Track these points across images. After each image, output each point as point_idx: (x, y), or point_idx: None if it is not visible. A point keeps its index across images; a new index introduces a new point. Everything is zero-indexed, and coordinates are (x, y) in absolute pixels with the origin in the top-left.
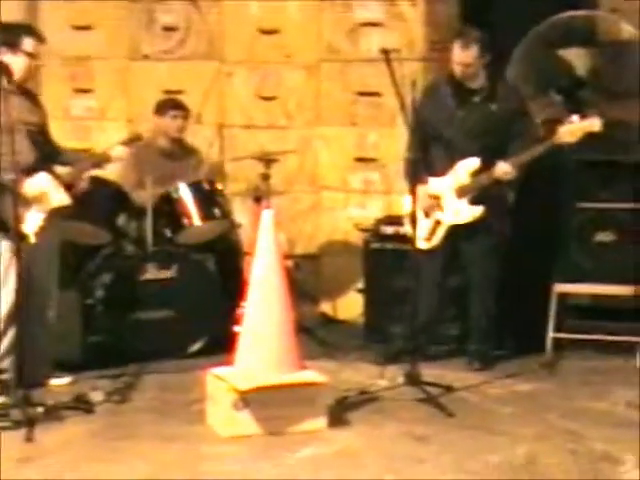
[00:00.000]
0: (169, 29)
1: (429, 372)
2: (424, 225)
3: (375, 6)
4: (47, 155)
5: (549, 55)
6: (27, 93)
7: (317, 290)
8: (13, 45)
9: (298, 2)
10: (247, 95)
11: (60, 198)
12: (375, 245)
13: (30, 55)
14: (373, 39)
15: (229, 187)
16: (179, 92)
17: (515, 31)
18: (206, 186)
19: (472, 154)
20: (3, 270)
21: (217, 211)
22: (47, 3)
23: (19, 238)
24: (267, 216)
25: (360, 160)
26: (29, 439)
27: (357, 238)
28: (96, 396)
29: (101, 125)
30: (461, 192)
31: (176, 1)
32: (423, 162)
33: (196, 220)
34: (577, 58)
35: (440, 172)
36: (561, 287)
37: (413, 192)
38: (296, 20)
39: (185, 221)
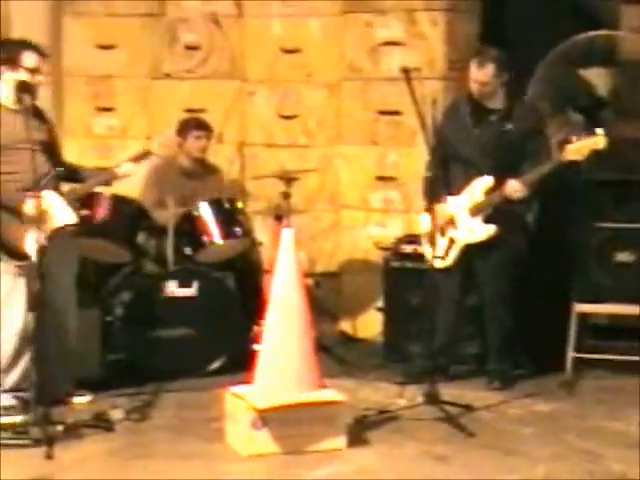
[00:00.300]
0: (191, 48)
1: (448, 391)
2: (440, 244)
3: (396, 25)
4: (55, 173)
5: (570, 74)
6: (33, 110)
7: (337, 308)
8: (13, 62)
9: (320, 21)
10: (268, 114)
11: (64, 217)
12: (395, 264)
13: (31, 71)
14: (394, 58)
15: (250, 205)
16: (201, 111)
17: (535, 50)
18: (227, 204)
19: (488, 172)
20: (5, 291)
21: (238, 229)
22: (71, 22)
23: (25, 257)
24: (288, 234)
25: (380, 179)
26: (49, 457)
27: (377, 257)
28: (116, 414)
29: (123, 143)
30: (475, 210)
31: (198, 20)
32: (442, 181)
33: (217, 238)
34: (598, 78)
35: (458, 191)
36: (581, 307)
37: (431, 211)
38: (317, 39)
39: (206, 239)
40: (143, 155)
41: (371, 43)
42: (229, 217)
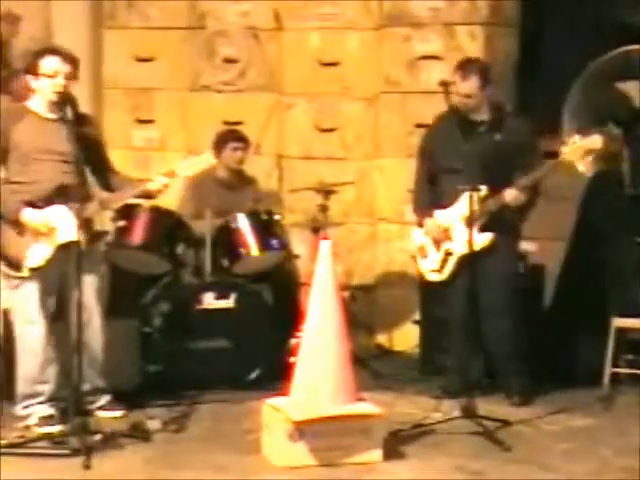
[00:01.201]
0: (230, 61)
1: (483, 406)
2: (434, 257)
3: (434, 39)
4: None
5: (607, 88)
6: (76, 119)
7: (373, 321)
8: (33, 70)
9: (358, 35)
10: (306, 126)
11: (66, 234)
12: None
13: (51, 75)
14: (432, 72)
15: (287, 218)
16: (238, 123)
17: (574, 64)
18: (264, 216)
19: (480, 183)
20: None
21: (274, 242)
22: (110, 35)
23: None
24: (325, 247)
25: None
26: (87, 467)
27: (413, 270)
28: (153, 424)
29: (162, 155)
30: (470, 220)
31: (237, 33)
32: (431, 195)
33: (253, 250)
34: (635, 90)
35: (451, 203)
36: (619, 322)
37: (422, 225)
38: (355, 52)
39: (242, 251)
40: (165, 176)
41: (409, 57)
42: (266, 229)
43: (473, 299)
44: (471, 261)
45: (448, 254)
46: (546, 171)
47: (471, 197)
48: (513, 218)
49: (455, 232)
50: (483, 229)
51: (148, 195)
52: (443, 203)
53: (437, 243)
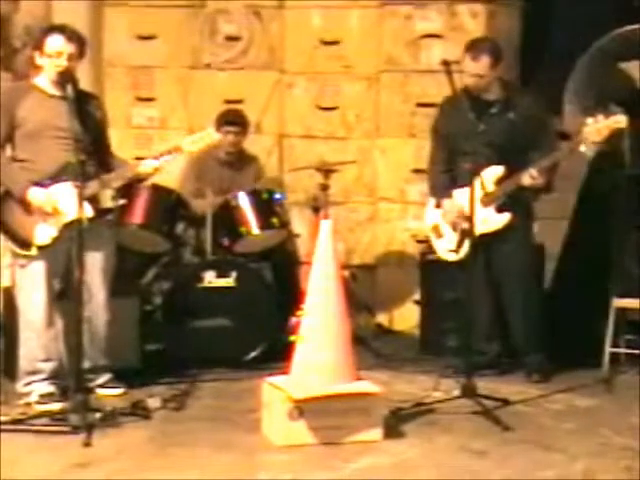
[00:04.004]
0: (231, 39)
1: (485, 385)
2: (451, 238)
3: (436, 18)
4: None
5: (610, 67)
6: (79, 97)
7: (373, 301)
8: (39, 47)
9: (359, 13)
10: (307, 105)
11: (73, 212)
12: (431, 257)
13: (54, 55)
14: (433, 51)
15: (288, 197)
16: (239, 101)
17: (577, 43)
18: (265, 195)
19: (496, 163)
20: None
21: (275, 220)
22: (111, 13)
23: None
24: (325, 226)
25: (418, 172)
26: (87, 444)
27: (414, 249)
28: (153, 403)
29: (162, 134)
30: (487, 201)
31: (238, 11)
32: (448, 176)
33: (254, 229)
34: (637, 71)
35: (465, 185)
36: (619, 302)
37: (440, 206)
38: (357, 31)
39: (243, 230)
40: (170, 152)
41: (410, 35)
42: (267, 208)
43: (489, 278)
44: (481, 241)
45: (465, 234)
46: (566, 152)
47: (488, 177)
48: (526, 198)
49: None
50: (500, 209)
51: (138, 178)
52: (460, 185)
53: (454, 225)
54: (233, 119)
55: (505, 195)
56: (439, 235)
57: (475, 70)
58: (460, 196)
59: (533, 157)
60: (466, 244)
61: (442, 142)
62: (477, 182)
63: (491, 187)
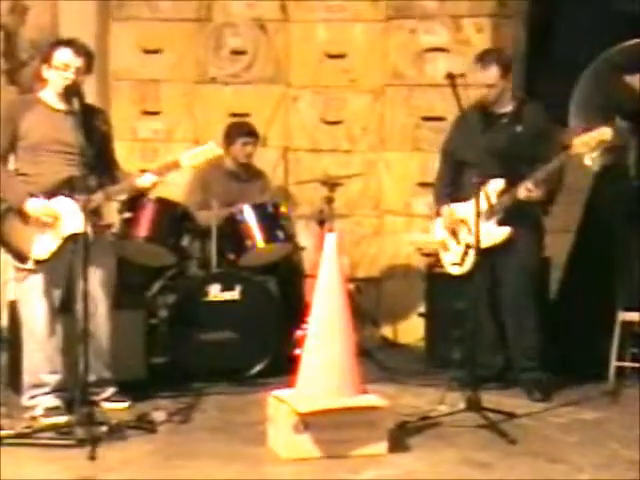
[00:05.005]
0: (237, 53)
1: (489, 399)
2: (455, 250)
3: (441, 31)
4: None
5: (615, 80)
6: (85, 111)
7: (378, 314)
8: (47, 60)
9: (364, 27)
10: (312, 119)
11: (72, 226)
12: (437, 269)
13: (61, 68)
14: (438, 64)
15: (293, 210)
16: (245, 115)
17: (582, 56)
18: (270, 209)
19: (499, 176)
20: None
21: (280, 234)
22: (117, 27)
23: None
24: (330, 239)
25: (423, 185)
26: (92, 457)
27: (419, 262)
28: (158, 416)
29: (168, 147)
30: (488, 214)
31: (244, 25)
32: (452, 187)
33: (259, 242)
34: None
35: (470, 197)
36: (625, 315)
37: (440, 214)
38: (362, 45)
39: (248, 243)
40: (169, 167)
41: (416, 49)
42: (272, 221)
43: (493, 292)
44: (484, 255)
45: (468, 247)
46: (558, 164)
47: (489, 190)
48: (535, 211)
49: (473, 225)
50: (502, 223)
51: (137, 191)
52: (464, 196)
53: (455, 234)
54: (250, 130)
55: (503, 209)
56: (446, 249)
57: (485, 80)
58: (461, 208)
59: (535, 170)
60: (470, 257)
61: (449, 158)
62: (482, 195)
63: (492, 200)
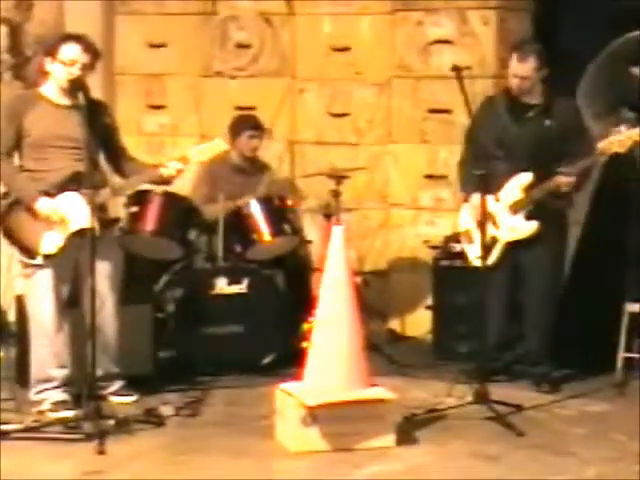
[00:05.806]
0: (242, 46)
1: (497, 391)
2: (480, 244)
3: (447, 24)
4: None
5: (622, 72)
6: (89, 106)
7: (386, 307)
8: (52, 54)
9: (370, 19)
10: (318, 112)
11: (79, 222)
12: (444, 262)
13: (67, 63)
14: (445, 56)
15: (300, 203)
16: (251, 108)
17: (588, 48)
18: (277, 202)
19: (527, 169)
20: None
21: (287, 227)
22: (123, 21)
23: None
24: (337, 232)
25: (430, 177)
26: (100, 451)
27: (426, 255)
28: (166, 410)
29: (174, 141)
30: (515, 208)
31: (249, 18)
32: (479, 177)
33: (266, 236)
34: None
35: (498, 188)
36: (632, 307)
37: (466, 200)
38: (368, 37)
39: (255, 236)
40: (177, 161)
41: (422, 42)
42: (279, 215)
43: (513, 287)
44: (509, 249)
45: (494, 240)
46: (593, 161)
47: (516, 184)
48: (560, 205)
49: (500, 219)
50: (529, 217)
51: (161, 181)
52: (492, 188)
53: (482, 225)
54: (256, 123)
55: (533, 202)
56: (470, 240)
57: (521, 72)
58: (491, 201)
59: (564, 165)
60: (495, 251)
61: (474, 143)
62: (510, 190)
63: (519, 194)
